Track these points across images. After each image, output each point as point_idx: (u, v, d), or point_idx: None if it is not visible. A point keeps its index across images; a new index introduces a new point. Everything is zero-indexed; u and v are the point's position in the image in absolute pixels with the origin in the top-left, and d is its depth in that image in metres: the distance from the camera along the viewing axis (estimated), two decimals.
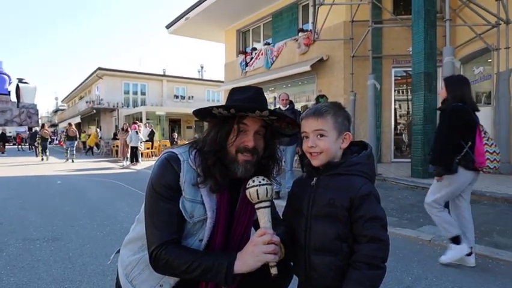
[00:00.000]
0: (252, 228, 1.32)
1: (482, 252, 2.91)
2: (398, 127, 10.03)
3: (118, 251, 1.48)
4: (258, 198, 1.13)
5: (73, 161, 13.94)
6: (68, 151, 14.31)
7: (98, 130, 22.82)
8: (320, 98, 5.81)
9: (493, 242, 3.14)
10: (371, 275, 1.04)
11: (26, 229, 3.91)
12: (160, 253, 1.14)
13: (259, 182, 1.14)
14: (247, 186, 1.15)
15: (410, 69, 7.51)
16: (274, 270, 1.09)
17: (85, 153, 19.82)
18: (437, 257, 2.88)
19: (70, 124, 15.27)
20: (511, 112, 6.73)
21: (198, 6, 12.79)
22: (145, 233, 1.21)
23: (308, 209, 1.15)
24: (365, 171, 1.14)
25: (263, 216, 1.13)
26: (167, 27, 15.19)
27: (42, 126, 15.50)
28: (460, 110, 2.57)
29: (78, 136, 17.53)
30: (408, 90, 9.57)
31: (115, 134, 18.60)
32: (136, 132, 12.10)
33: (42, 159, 15.04)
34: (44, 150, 15.13)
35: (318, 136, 1.15)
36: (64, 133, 15.54)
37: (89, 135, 21.46)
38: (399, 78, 9.82)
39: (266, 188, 1.13)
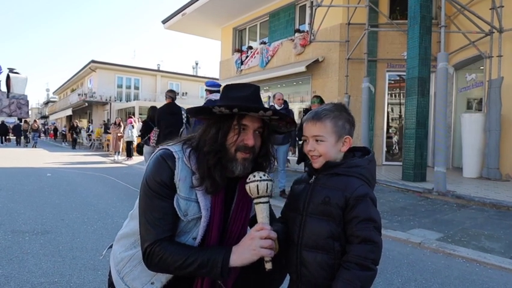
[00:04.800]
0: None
1: (470, 256, 2.95)
2: (390, 130, 10.13)
3: (111, 246, 1.45)
4: (258, 193, 1.13)
5: (35, 146, 19.02)
6: (33, 140, 19.59)
7: (90, 124, 22.54)
8: (314, 99, 5.83)
9: (481, 246, 3.19)
10: (361, 275, 1.03)
11: (15, 221, 3.85)
12: (153, 250, 1.12)
13: (260, 177, 1.14)
14: (248, 181, 1.15)
15: (404, 73, 7.59)
16: (269, 266, 1.09)
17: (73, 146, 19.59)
18: (426, 260, 2.93)
19: (34, 120, 20.79)
20: (501, 119, 6.85)
21: (195, 2, 12.72)
22: (139, 230, 1.20)
23: (304, 206, 1.16)
24: (363, 174, 1.14)
25: (261, 212, 1.14)
26: (164, 22, 15.09)
27: (24, 121, 20.22)
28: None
29: (40, 128, 24.29)
30: (401, 94, 9.67)
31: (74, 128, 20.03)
32: (132, 126, 12.00)
33: (25, 146, 20.42)
34: (25, 139, 21.44)
35: (317, 141, 1.16)
36: (30, 127, 20.76)
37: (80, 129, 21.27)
38: (393, 82, 9.91)
39: (267, 184, 1.13)
